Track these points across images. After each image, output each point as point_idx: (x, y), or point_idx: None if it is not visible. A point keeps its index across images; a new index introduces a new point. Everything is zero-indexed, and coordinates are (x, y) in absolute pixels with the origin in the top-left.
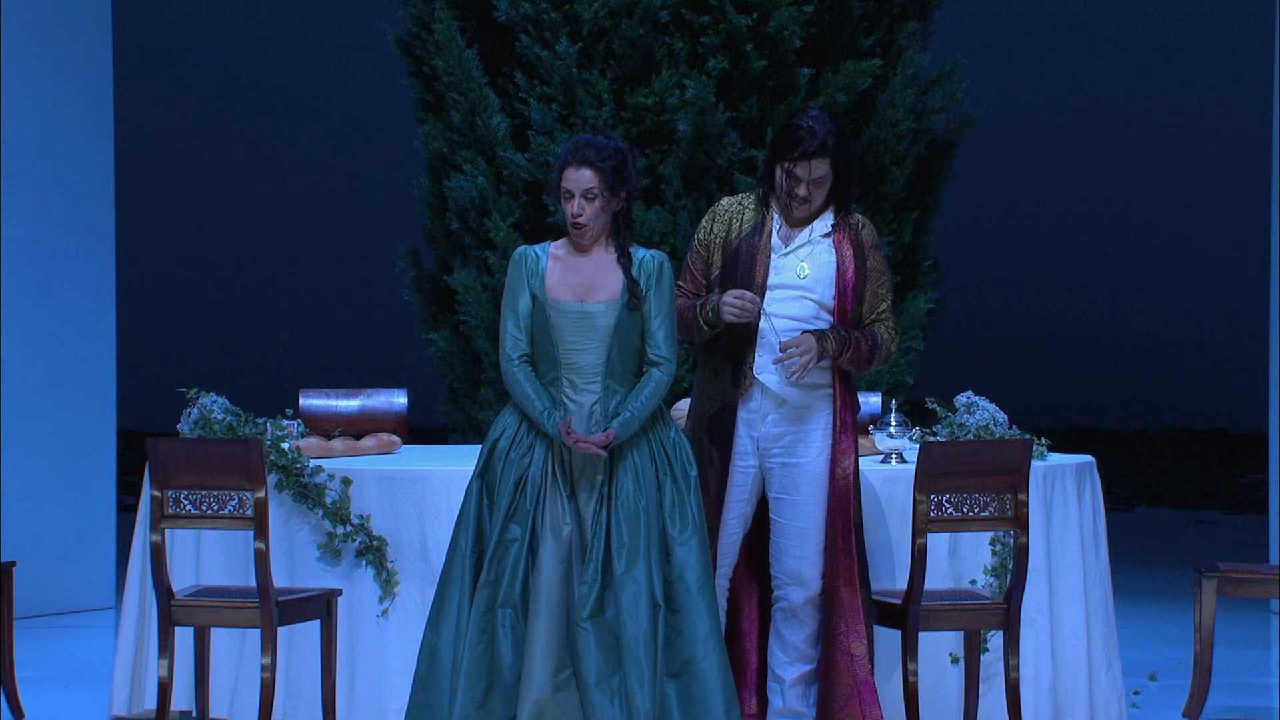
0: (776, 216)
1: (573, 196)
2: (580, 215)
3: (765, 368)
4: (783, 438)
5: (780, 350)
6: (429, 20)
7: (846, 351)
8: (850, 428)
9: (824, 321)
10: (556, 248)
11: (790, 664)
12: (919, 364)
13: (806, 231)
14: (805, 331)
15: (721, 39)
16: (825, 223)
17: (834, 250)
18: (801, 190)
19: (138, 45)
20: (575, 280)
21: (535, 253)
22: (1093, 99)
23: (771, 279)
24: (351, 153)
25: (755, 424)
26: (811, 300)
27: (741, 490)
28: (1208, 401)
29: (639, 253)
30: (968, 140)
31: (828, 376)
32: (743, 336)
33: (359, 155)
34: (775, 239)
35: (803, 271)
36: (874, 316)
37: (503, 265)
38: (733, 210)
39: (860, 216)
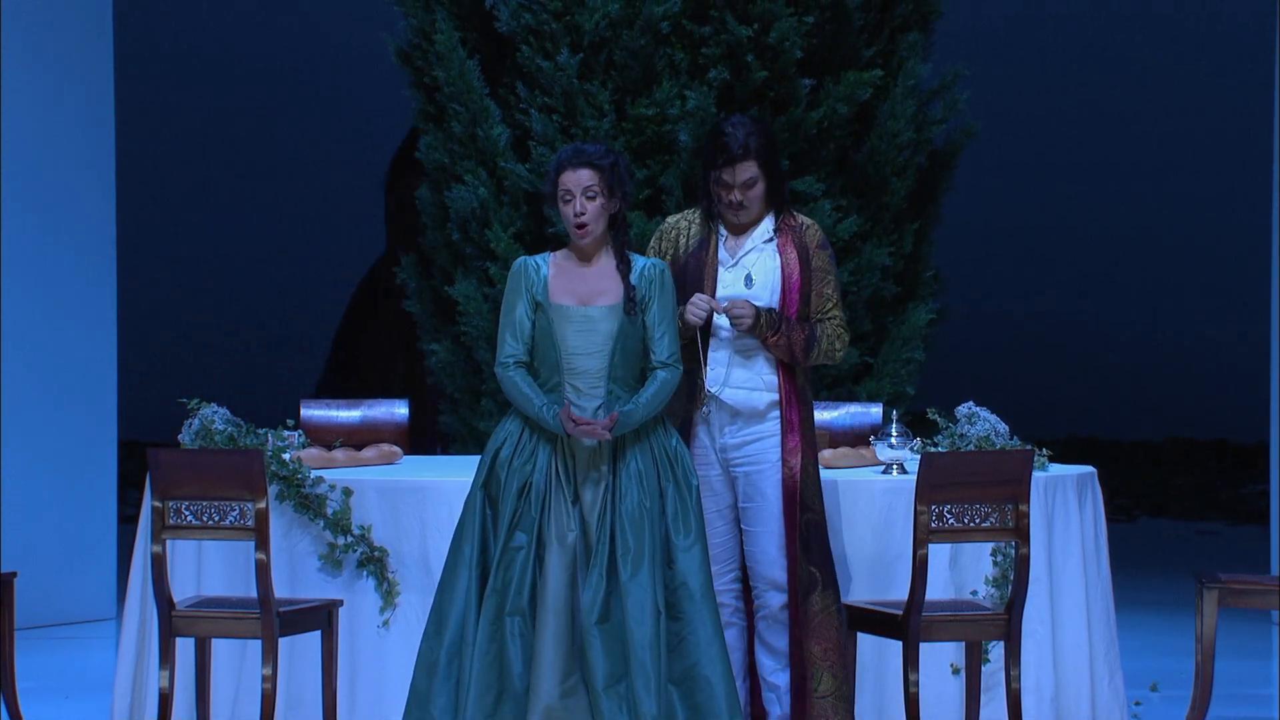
0: (722, 229)
1: (573, 197)
2: (583, 214)
3: (716, 380)
4: (742, 447)
5: (726, 314)
6: (430, 31)
7: (773, 335)
8: (797, 427)
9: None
10: (557, 257)
11: (781, 670)
12: (920, 375)
13: (749, 240)
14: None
15: (722, 50)
16: (767, 228)
17: (778, 255)
18: (734, 196)
19: (139, 55)
20: (578, 287)
21: (535, 262)
22: (1093, 112)
23: (720, 292)
24: (353, 163)
25: (715, 435)
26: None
27: (712, 500)
28: (1209, 413)
29: (639, 261)
30: (968, 151)
31: (774, 379)
32: (693, 354)
33: (361, 165)
34: (722, 251)
35: (750, 281)
36: (819, 316)
37: (504, 276)
38: (679, 227)
39: (805, 218)
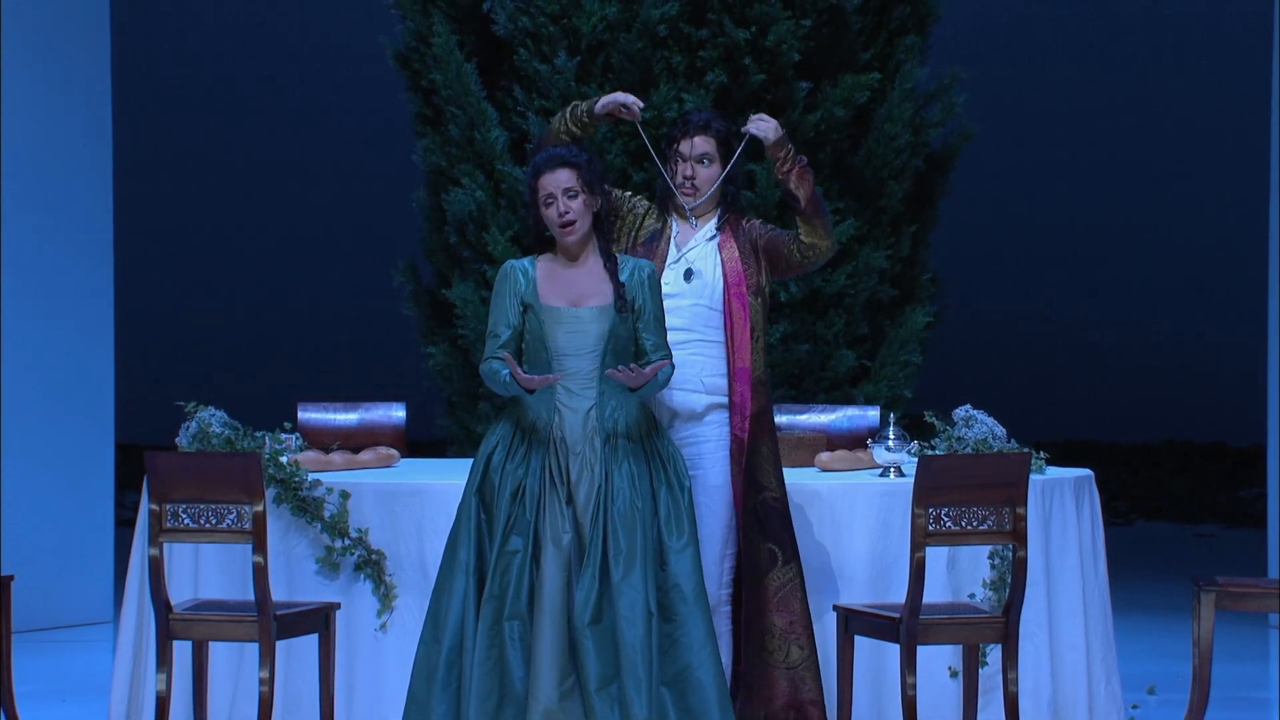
0: (675, 223)
1: (555, 199)
2: (568, 213)
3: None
4: (681, 448)
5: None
6: (428, 34)
7: (798, 162)
8: (749, 414)
9: (715, 328)
10: (544, 260)
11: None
12: (917, 378)
13: (694, 238)
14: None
15: (720, 53)
16: (711, 226)
17: (719, 251)
18: (688, 169)
19: (136, 60)
20: (567, 289)
21: (523, 265)
22: (1089, 114)
23: (663, 288)
24: (350, 166)
25: None
26: (702, 305)
27: None
28: (1207, 415)
29: (628, 262)
30: (965, 154)
31: (719, 382)
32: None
33: (357, 168)
34: (672, 245)
35: (689, 275)
36: (790, 239)
37: None
38: (637, 211)
39: (755, 218)
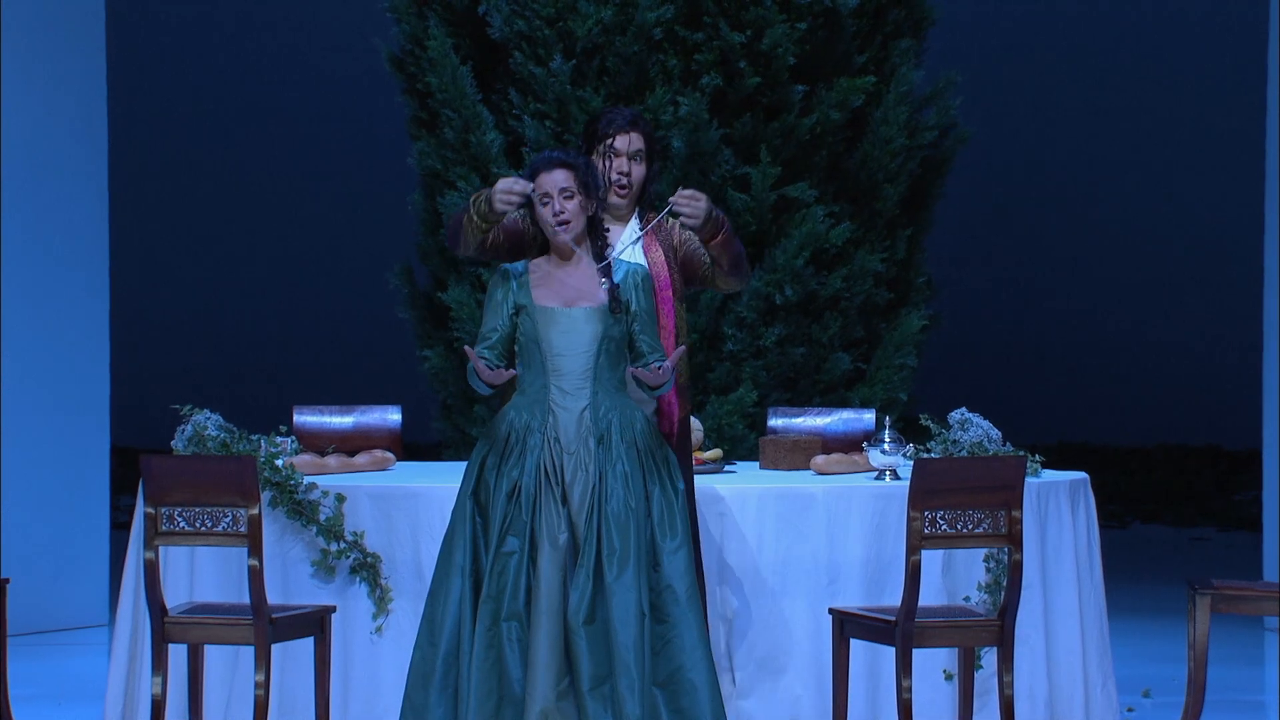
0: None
1: (551, 199)
2: (563, 213)
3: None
4: None
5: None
6: (423, 37)
7: (722, 234)
8: (675, 422)
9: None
10: (538, 262)
11: None
12: (912, 381)
13: (617, 243)
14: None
15: (715, 56)
16: (634, 228)
17: (644, 256)
18: (622, 165)
19: (132, 64)
20: (561, 290)
21: (518, 267)
22: (1085, 118)
23: None
24: (345, 170)
25: None
26: None
27: None
28: (1202, 418)
29: (622, 264)
30: (960, 157)
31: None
32: None
33: (353, 172)
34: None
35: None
36: (706, 269)
37: None
38: None
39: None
